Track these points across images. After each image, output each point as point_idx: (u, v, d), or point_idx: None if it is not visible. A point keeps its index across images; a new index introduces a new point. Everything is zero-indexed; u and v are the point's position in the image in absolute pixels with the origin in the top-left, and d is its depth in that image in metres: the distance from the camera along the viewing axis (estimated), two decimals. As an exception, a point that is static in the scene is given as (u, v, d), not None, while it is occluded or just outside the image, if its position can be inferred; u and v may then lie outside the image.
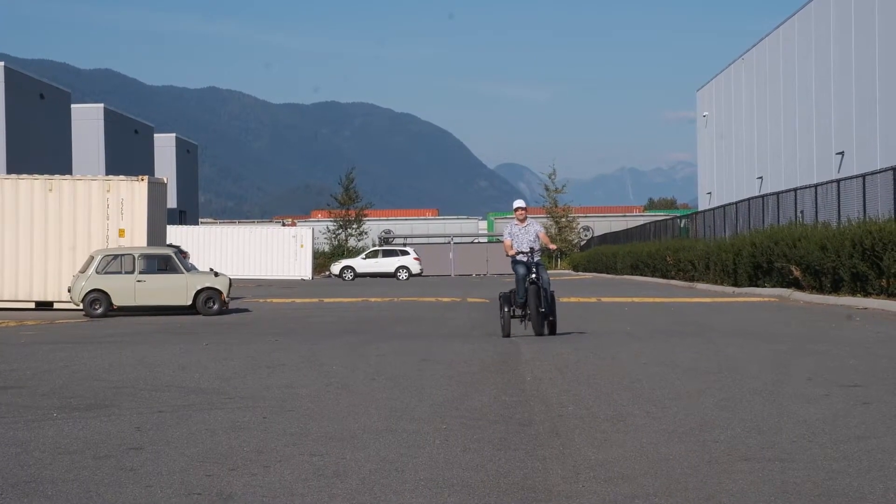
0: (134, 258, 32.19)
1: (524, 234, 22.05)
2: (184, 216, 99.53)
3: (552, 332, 21.33)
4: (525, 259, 21.69)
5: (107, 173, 72.93)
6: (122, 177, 36.52)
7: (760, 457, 8.30)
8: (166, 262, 32.59)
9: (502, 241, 23.15)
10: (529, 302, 21.13)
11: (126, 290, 31.80)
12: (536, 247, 21.97)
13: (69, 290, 32.43)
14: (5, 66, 66.77)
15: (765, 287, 39.12)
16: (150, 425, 10.08)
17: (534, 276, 21.24)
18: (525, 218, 22.36)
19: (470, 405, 11.17)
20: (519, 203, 22.59)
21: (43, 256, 35.47)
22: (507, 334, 21.18)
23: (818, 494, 7.12)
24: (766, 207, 45.63)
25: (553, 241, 23.41)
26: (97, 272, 31.75)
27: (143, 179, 35.81)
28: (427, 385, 12.86)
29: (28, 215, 35.49)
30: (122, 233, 35.23)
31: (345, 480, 7.67)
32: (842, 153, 55.81)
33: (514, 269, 21.82)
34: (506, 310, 21.49)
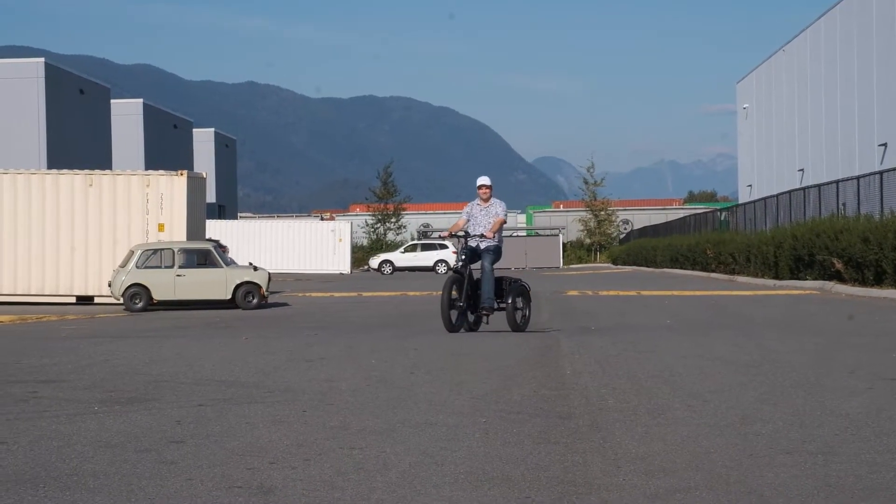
0: (174, 252, 32.32)
1: (483, 216, 20.34)
2: (223, 210, 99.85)
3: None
4: (469, 244, 20.17)
5: (146, 168, 73.23)
6: (161, 171, 36.65)
7: (802, 450, 8.25)
8: (206, 257, 32.70)
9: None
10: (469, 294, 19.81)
11: (166, 284, 31.92)
12: (489, 233, 20.21)
13: (109, 285, 32.58)
14: (45, 62, 67.14)
15: (806, 280, 38.93)
16: (190, 419, 10.10)
17: (463, 264, 19.91)
18: (490, 198, 20.48)
19: (509, 398, 11.15)
20: (482, 180, 20.52)
21: (83, 251, 35.65)
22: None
23: (861, 488, 7.06)
24: (808, 200, 45.42)
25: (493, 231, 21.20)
26: (137, 266, 31.88)
27: (182, 174, 35.93)
28: (466, 378, 12.84)
29: (69, 210, 35.69)
30: (161, 227, 35.36)
31: (385, 474, 7.66)
32: (885, 144, 55.47)
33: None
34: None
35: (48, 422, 10.08)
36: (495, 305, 19.98)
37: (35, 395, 12.01)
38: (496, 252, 20.30)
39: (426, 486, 7.27)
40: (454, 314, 19.72)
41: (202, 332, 22.22)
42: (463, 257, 19.92)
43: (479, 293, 19.95)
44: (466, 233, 20.16)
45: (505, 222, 20.70)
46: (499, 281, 20.20)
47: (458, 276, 19.73)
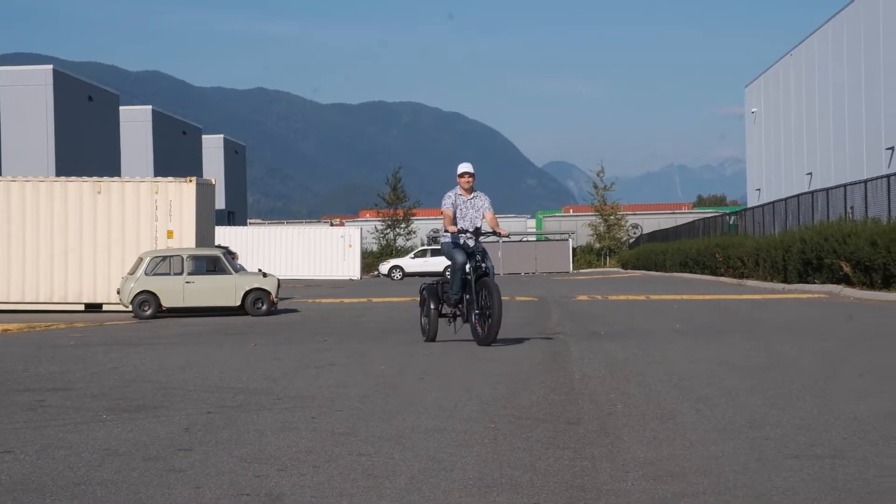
0: (182, 259, 32.34)
1: (470, 209, 18.21)
2: (232, 217, 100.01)
3: (491, 338, 17.45)
4: (467, 242, 18.00)
5: (155, 175, 73.37)
6: (170, 178, 36.68)
7: (811, 454, 8.24)
8: (215, 263, 32.73)
9: (442, 212, 18.58)
10: (471, 300, 17.68)
11: (175, 291, 31.94)
12: (484, 227, 18.34)
13: (118, 292, 32.62)
14: (54, 69, 67.32)
15: (814, 283, 38.89)
16: (199, 426, 10.11)
17: (483, 265, 17.73)
18: (472, 188, 18.38)
19: (519, 404, 11.14)
20: (466, 167, 18.36)
21: (92, 258, 35.70)
22: (432, 337, 18.60)
23: (869, 492, 7.06)
24: (816, 203, 45.39)
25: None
26: (146, 274, 31.91)
27: (191, 181, 35.96)
28: (475, 384, 12.84)
29: (77, 217, 35.73)
30: (170, 234, 35.40)
31: (394, 480, 7.66)
32: (892, 148, 55.44)
33: (448, 253, 17.98)
34: (432, 307, 18.50)
35: (56, 430, 10.08)
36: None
37: (43, 403, 12.02)
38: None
39: (435, 492, 7.27)
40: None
41: (211, 339, 22.22)
42: (478, 259, 17.82)
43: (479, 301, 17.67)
44: (477, 229, 18.08)
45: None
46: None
47: (486, 282, 17.48)
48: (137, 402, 11.97)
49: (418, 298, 19.28)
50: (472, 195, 18.20)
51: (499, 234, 18.08)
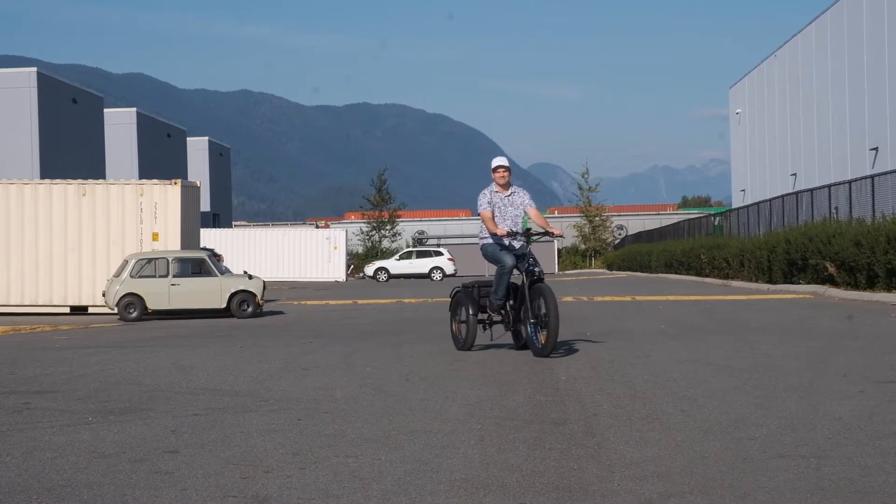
0: (168, 262, 32.32)
1: (509, 207, 16.51)
2: (217, 219, 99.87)
3: (549, 349, 15.63)
4: (514, 243, 16.31)
5: (140, 177, 73.27)
6: (155, 181, 36.63)
7: (796, 454, 8.27)
8: (200, 266, 32.70)
9: (480, 214, 16.51)
10: (525, 308, 15.97)
11: (160, 293, 31.91)
12: (534, 228, 16.85)
13: (103, 295, 32.59)
14: (38, 72, 67.10)
15: (799, 284, 38.96)
16: (185, 428, 10.11)
17: (536, 270, 16.07)
18: (509, 184, 16.51)
19: (504, 405, 11.16)
20: (500, 161, 16.51)
21: (77, 261, 35.62)
22: (469, 345, 17.01)
23: (854, 491, 7.08)
24: (800, 204, 45.47)
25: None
26: (131, 276, 31.87)
27: (176, 183, 35.92)
28: (461, 385, 12.85)
29: (62, 220, 35.66)
30: (155, 236, 35.35)
31: (380, 482, 7.67)
32: (875, 149, 55.55)
33: (494, 255, 16.22)
34: (470, 312, 16.79)
35: (42, 433, 10.08)
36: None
37: (28, 406, 12.01)
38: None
39: (422, 494, 7.29)
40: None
41: (197, 342, 22.20)
42: (530, 262, 16.12)
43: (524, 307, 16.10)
44: (528, 230, 16.42)
45: None
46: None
47: (542, 287, 15.87)
48: (124, 404, 11.97)
49: (450, 301, 17.53)
50: (510, 191, 16.37)
51: (552, 235, 16.36)
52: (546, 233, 16.19)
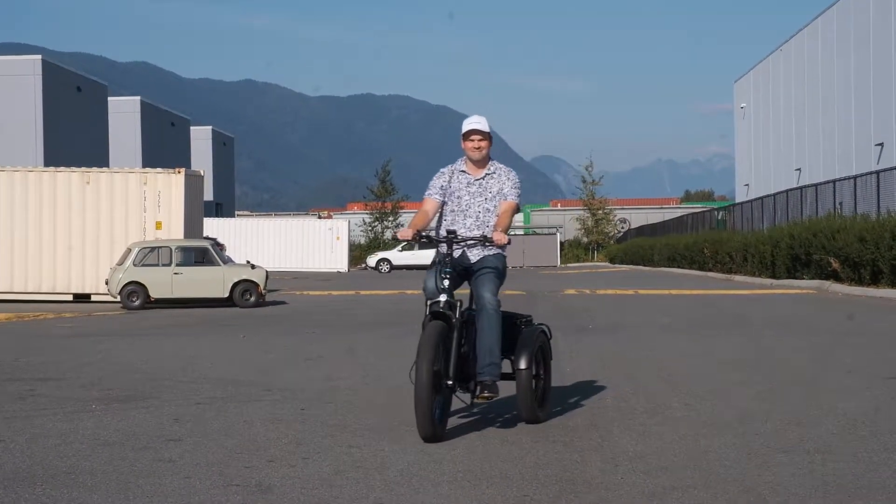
0: (171, 250, 32.27)
1: (476, 197, 9.97)
2: (220, 209, 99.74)
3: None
4: (448, 253, 9.74)
5: (143, 166, 73.13)
6: (158, 169, 36.55)
7: (800, 449, 8.26)
8: (203, 255, 32.65)
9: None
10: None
11: (163, 282, 31.87)
12: (488, 231, 9.78)
13: (107, 283, 32.52)
14: (43, 59, 67.00)
15: (803, 279, 38.91)
16: (188, 417, 10.10)
17: (484, 294, 9.91)
18: (487, 159, 10.05)
19: (508, 396, 11.14)
20: (475, 123, 9.94)
21: (80, 249, 35.58)
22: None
23: (858, 487, 7.07)
24: (805, 199, 45.41)
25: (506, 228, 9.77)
26: (134, 265, 31.83)
27: (179, 172, 35.86)
28: (464, 377, 12.82)
29: (66, 208, 35.60)
30: (158, 225, 35.28)
31: (383, 472, 7.66)
32: (881, 144, 55.46)
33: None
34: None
35: (46, 420, 10.08)
36: (499, 376, 9.57)
37: (32, 392, 12.01)
38: (502, 270, 10.09)
39: (424, 485, 7.28)
40: (438, 403, 8.99)
41: (200, 331, 22.20)
42: (446, 280, 9.66)
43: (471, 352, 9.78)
44: (451, 233, 9.75)
45: (519, 209, 10.37)
46: (508, 322, 10.08)
47: (443, 325, 9.61)
48: (127, 392, 11.97)
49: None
50: (485, 172, 9.99)
51: (489, 241, 9.73)
52: (483, 238, 9.71)
